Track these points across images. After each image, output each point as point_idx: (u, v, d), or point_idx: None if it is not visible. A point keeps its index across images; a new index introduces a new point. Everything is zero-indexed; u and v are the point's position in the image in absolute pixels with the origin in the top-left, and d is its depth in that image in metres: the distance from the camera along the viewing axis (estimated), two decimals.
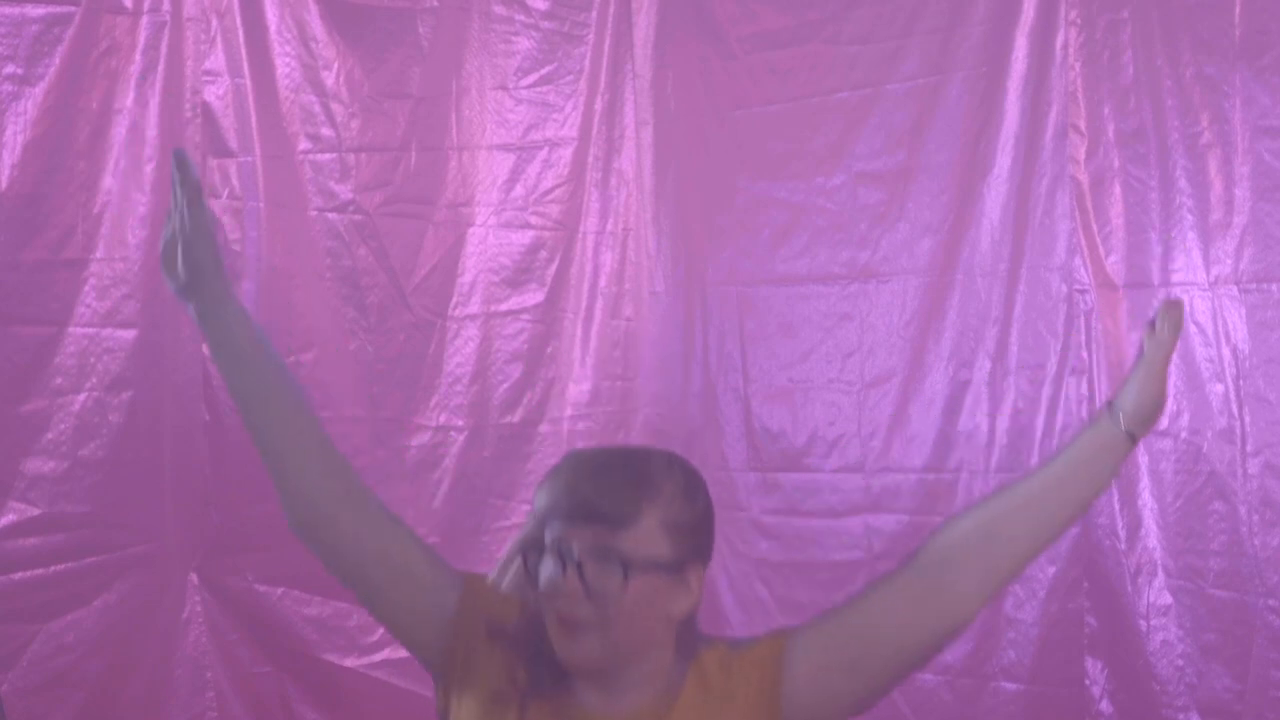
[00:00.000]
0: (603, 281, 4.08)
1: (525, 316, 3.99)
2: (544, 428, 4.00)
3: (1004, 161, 3.68)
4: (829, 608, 1.85)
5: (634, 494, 1.75)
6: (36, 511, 3.36)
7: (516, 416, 3.97)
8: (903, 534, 3.76)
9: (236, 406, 1.85)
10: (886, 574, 1.84)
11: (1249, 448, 3.27)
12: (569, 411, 4.02)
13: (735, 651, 1.84)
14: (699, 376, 4.04)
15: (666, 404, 4.08)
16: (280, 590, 3.67)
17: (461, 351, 3.93)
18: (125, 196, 3.50)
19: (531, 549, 1.78)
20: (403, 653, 1.97)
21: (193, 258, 1.80)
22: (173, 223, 1.82)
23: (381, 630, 3.81)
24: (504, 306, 3.97)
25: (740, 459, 3.96)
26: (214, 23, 3.62)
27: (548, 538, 1.76)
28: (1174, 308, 1.93)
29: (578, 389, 4.04)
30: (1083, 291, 3.60)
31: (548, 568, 1.75)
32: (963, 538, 1.80)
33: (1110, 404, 1.86)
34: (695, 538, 1.80)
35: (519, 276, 3.99)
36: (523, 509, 3.90)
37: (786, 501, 3.90)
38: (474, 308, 3.94)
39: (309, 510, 1.81)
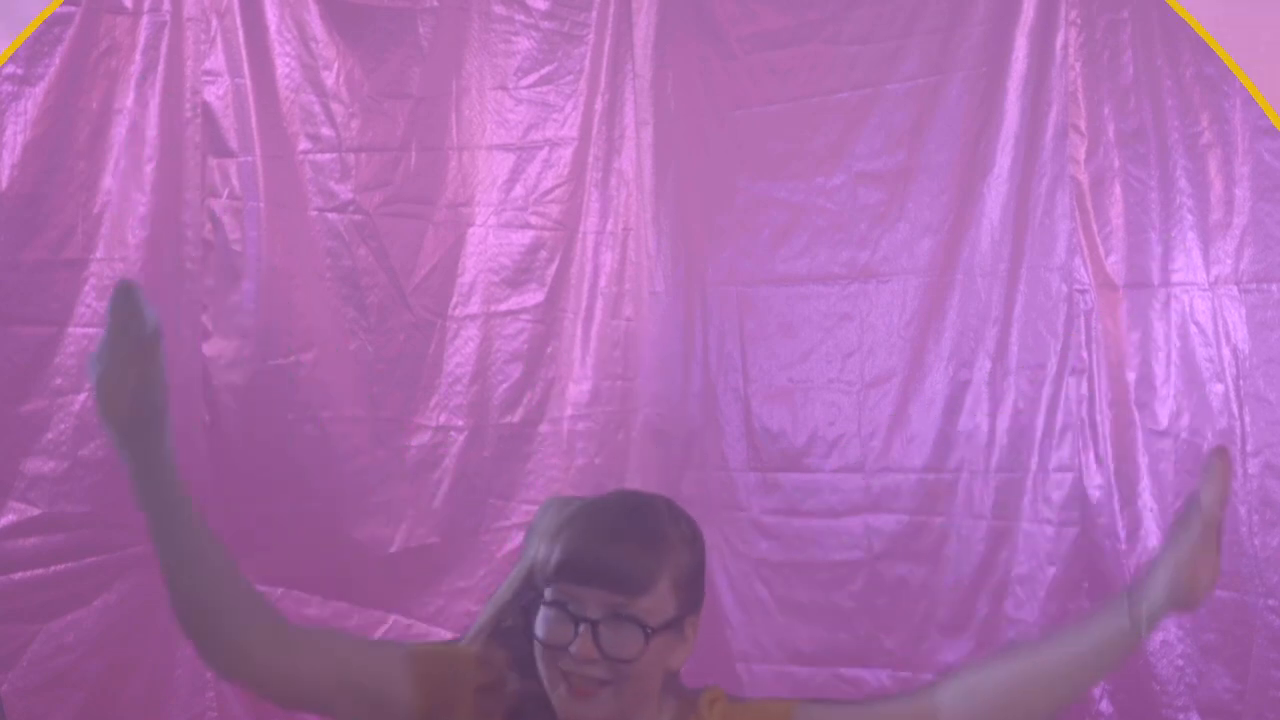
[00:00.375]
0: (603, 281, 4.08)
1: (525, 316, 3.99)
2: (544, 428, 4.00)
3: (1004, 161, 3.68)
4: (838, 697, 1.86)
5: (654, 560, 1.74)
6: (36, 511, 3.37)
7: (516, 416, 3.97)
8: (903, 534, 3.76)
9: (165, 574, 1.70)
10: (901, 693, 1.83)
11: (1249, 448, 3.27)
12: (569, 411, 4.02)
13: (737, 705, 1.84)
14: (699, 376, 4.04)
15: (666, 404, 4.07)
16: (280, 590, 3.67)
17: (461, 351, 3.93)
18: (125, 196, 3.51)
19: (530, 603, 1.75)
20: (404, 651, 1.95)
21: (145, 405, 1.62)
22: (118, 362, 1.59)
23: (382, 630, 3.81)
24: (504, 306, 3.97)
25: (740, 459, 3.96)
26: (214, 23, 3.63)
27: (551, 595, 1.73)
28: (1220, 455, 1.76)
29: (578, 389, 4.04)
30: (1083, 291, 3.60)
31: (555, 627, 1.72)
32: (981, 695, 1.80)
33: (1145, 584, 1.77)
34: (694, 590, 1.79)
35: (519, 276, 3.99)
36: (523, 509, 3.90)
37: (786, 501, 3.89)
38: (474, 308, 3.94)
39: (248, 665, 1.73)
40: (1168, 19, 3.42)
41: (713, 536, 3.61)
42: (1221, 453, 1.77)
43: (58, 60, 3.36)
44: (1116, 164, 3.53)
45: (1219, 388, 3.32)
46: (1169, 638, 3.38)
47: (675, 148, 4.08)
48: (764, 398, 3.95)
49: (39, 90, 3.34)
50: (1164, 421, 3.44)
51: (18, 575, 3.35)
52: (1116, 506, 3.50)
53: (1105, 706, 3.53)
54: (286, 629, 1.77)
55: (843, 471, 3.83)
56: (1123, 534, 3.50)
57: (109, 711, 3.49)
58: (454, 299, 3.92)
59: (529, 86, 3.98)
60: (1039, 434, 3.64)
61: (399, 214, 3.85)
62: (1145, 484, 3.47)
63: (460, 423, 3.91)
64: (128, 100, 3.50)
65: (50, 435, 3.39)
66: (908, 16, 3.78)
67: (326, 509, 3.79)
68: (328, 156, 3.77)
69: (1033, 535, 3.62)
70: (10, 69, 3.30)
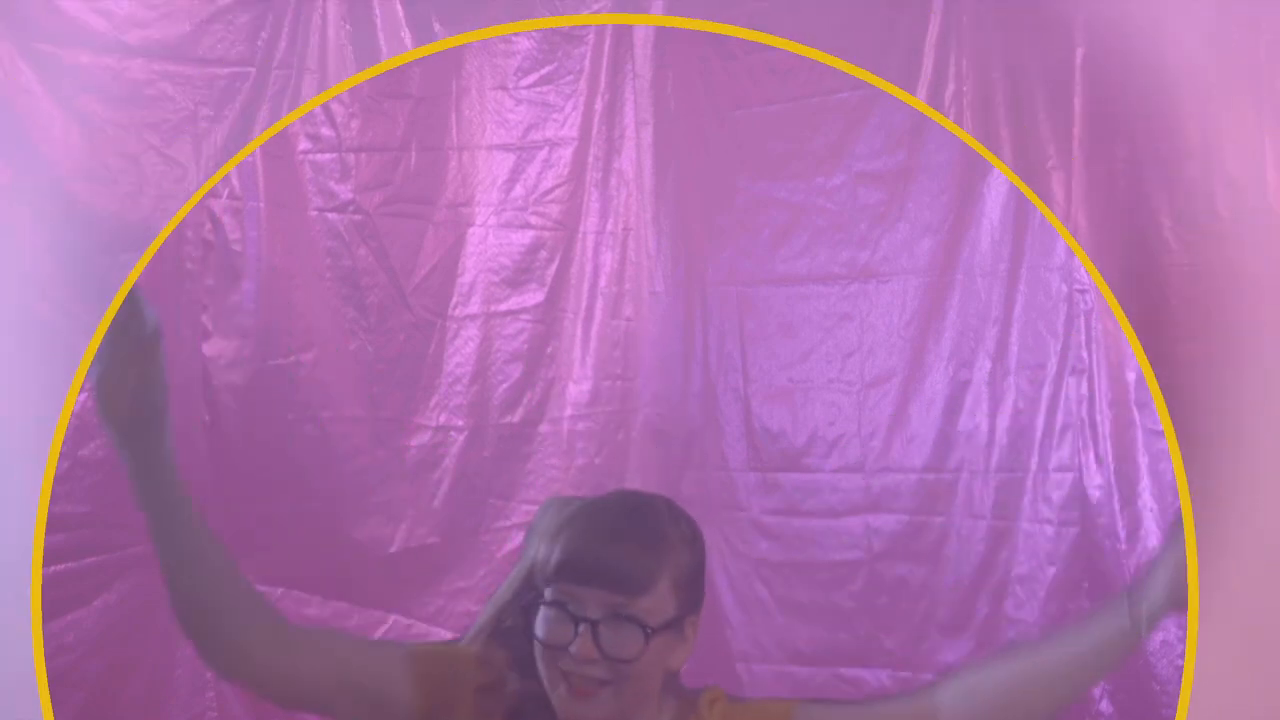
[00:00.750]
0: (603, 281, 4.08)
1: (525, 316, 3.99)
2: (544, 428, 4.00)
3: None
4: (838, 697, 1.86)
5: (654, 560, 1.74)
6: None
7: (516, 416, 3.97)
8: (903, 534, 3.76)
9: (165, 574, 1.70)
10: (901, 693, 1.83)
11: None
12: (569, 411, 4.02)
13: (737, 705, 1.85)
14: (699, 376, 4.04)
15: (666, 404, 4.07)
16: (280, 590, 3.67)
17: (461, 351, 3.93)
18: None
19: (530, 603, 1.75)
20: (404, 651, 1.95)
21: (145, 405, 1.62)
22: (118, 362, 1.59)
23: (382, 630, 3.81)
24: (504, 306, 3.97)
25: (740, 459, 3.96)
26: None
27: (551, 595, 1.73)
28: None
29: (578, 389, 4.04)
30: (1083, 291, 3.60)
31: (555, 627, 1.72)
32: (981, 695, 1.81)
33: (1145, 584, 1.80)
34: (694, 590, 1.80)
35: (519, 276, 3.99)
36: (523, 509, 3.90)
37: (786, 501, 3.89)
38: (474, 308, 3.94)
39: (248, 665, 1.73)
40: None
41: (713, 536, 3.61)
42: None
43: None
44: None
45: None
46: (1169, 638, 3.38)
47: (675, 148, 4.07)
48: (764, 398, 3.95)
49: None
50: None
51: None
52: (1116, 506, 3.50)
53: (1105, 706, 3.53)
54: (286, 629, 1.77)
55: (843, 471, 3.84)
56: (1123, 534, 3.50)
57: (109, 711, 3.49)
58: (454, 299, 3.93)
59: (529, 86, 3.98)
60: (1039, 434, 3.64)
61: (399, 214, 3.85)
62: (1145, 484, 3.47)
63: (460, 423, 3.91)
64: None
65: None
66: None
67: (326, 509, 3.79)
68: (328, 156, 3.77)
69: (1033, 535, 3.62)
70: None
